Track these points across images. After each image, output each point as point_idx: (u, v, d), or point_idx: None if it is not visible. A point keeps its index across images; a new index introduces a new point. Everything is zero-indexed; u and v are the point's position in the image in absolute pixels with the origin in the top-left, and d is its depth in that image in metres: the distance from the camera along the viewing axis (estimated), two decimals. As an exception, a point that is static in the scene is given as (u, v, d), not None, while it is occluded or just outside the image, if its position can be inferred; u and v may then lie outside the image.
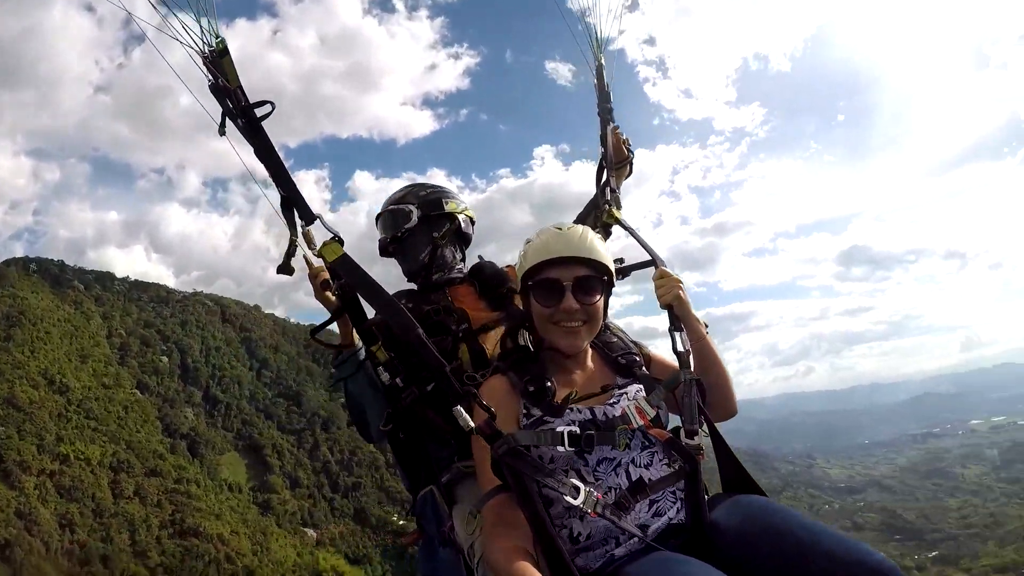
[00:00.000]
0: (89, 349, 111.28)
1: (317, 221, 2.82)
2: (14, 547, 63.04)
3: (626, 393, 2.55)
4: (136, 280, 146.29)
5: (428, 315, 3.20)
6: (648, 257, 2.99)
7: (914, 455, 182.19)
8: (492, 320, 3.25)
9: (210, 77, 2.74)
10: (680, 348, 2.58)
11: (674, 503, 2.34)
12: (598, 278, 2.58)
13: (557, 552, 2.09)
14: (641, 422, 2.39)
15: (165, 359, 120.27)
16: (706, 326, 2.71)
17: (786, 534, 2.07)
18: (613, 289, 2.70)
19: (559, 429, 2.31)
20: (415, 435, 3.01)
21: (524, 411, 2.47)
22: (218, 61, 2.74)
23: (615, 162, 3.64)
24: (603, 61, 3.94)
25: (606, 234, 3.35)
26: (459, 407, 2.34)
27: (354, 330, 2.94)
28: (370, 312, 2.86)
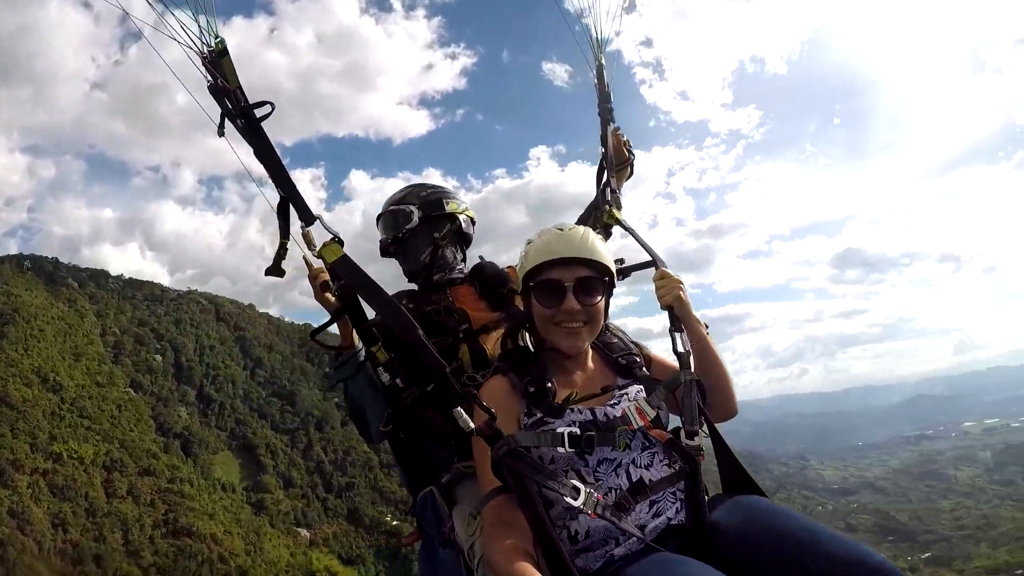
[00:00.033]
0: (83, 347, 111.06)
1: (317, 222, 2.79)
2: (7, 546, 62.84)
3: (626, 394, 2.54)
4: (130, 278, 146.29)
5: (429, 315, 3.20)
6: (648, 258, 2.99)
7: (907, 457, 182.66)
8: (493, 320, 3.25)
9: (209, 78, 2.72)
10: (680, 349, 2.57)
11: (674, 504, 2.34)
12: (599, 279, 2.57)
13: (557, 553, 2.09)
14: (641, 423, 2.39)
15: (159, 358, 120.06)
16: (706, 327, 2.71)
17: (786, 535, 2.07)
18: (614, 290, 2.70)
19: (559, 430, 2.31)
20: (415, 435, 3.02)
21: (524, 412, 2.47)
22: (217, 61, 2.73)
23: (616, 164, 3.64)
24: (603, 61, 3.94)
25: (606, 235, 3.34)
26: (459, 408, 2.33)
27: (354, 331, 2.94)
28: (370, 313, 2.85)
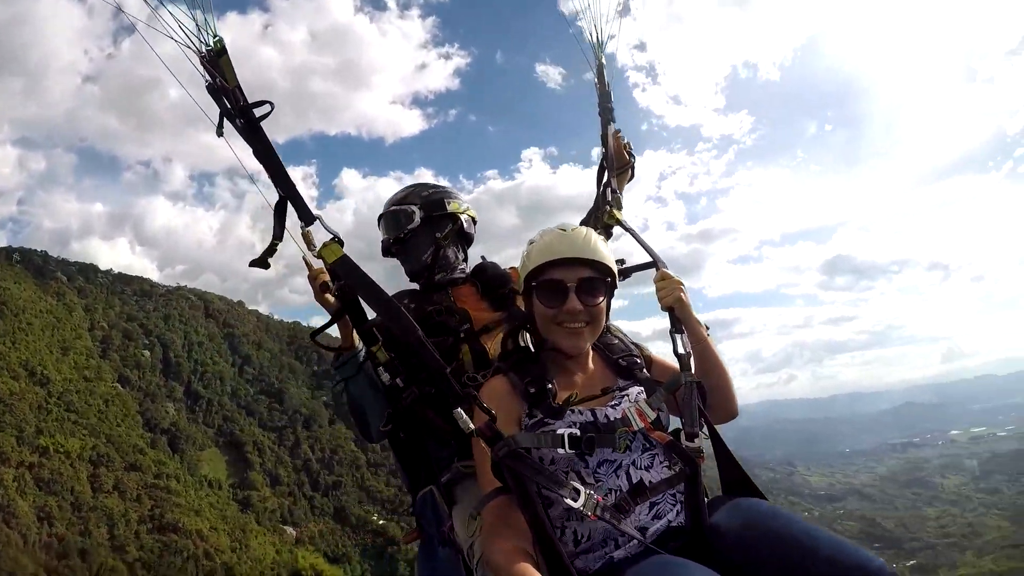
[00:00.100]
0: (71, 341, 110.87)
1: (316, 222, 2.78)
2: (-9, 539, 62.61)
3: (627, 395, 2.53)
4: (120, 273, 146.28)
5: (430, 315, 3.20)
6: (648, 259, 2.98)
7: (894, 464, 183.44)
8: (494, 321, 3.25)
9: (207, 77, 2.70)
10: (681, 350, 2.57)
11: (674, 506, 2.34)
12: (601, 279, 2.57)
13: (557, 554, 2.08)
14: (642, 424, 2.38)
15: (147, 353, 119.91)
16: (707, 328, 2.71)
17: (786, 538, 2.06)
18: (615, 291, 2.70)
19: (559, 431, 2.30)
20: (415, 435, 3.01)
21: (525, 412, 2.46)
22: (216, 61, 2.70)
23: (617, 166, 3.64)
24: (603, 61, 3.93)
25: (607, 235, 3.33)
26: (459, 409, 2.33)
27: (354, 331, 2.93)
28: (370, 313, 2.84)
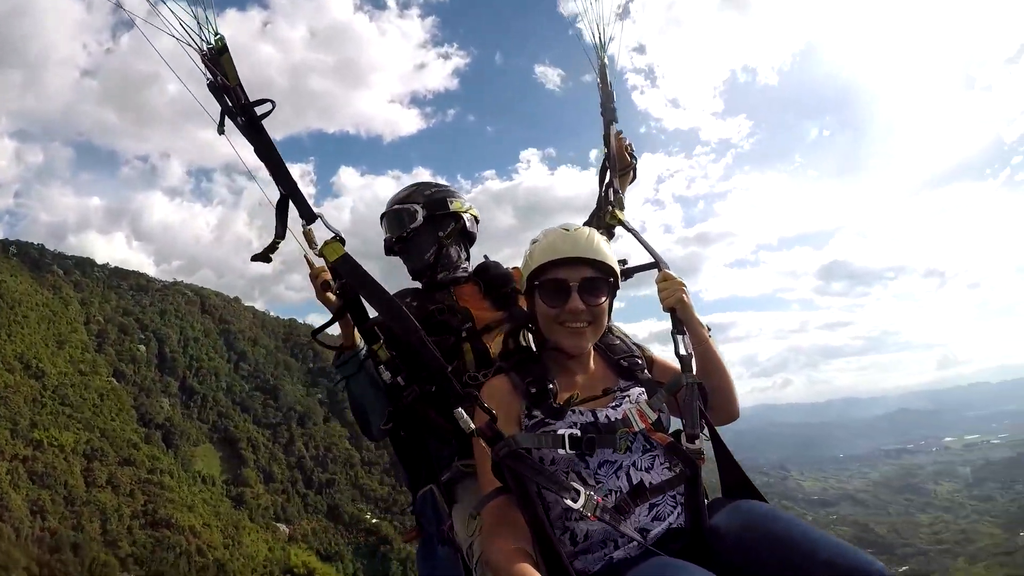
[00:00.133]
0: (66, 335, 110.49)
1: (318, 220, 2.78)
2: (-16, 532, 62.48)
3: (628, 396, 2.53)
4: (116, 267, 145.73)
5: (432, 314, 3.20)
6: (651, 259, 2.98)
7: (888, 470, 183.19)
8: (496, 320, 3.24)
9: (209, 75, 2.69)
10: (683, 351, 2.57)
11: (674, 507, 2.33)
12: (604, 279, 2.57)
13: (556, 554, 2.08)
14: (642, 425, 2.37)
15: (142, 348, 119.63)
16: (708, 329, 2.71)
17: (786, 541, 2.05)
18: (618, 291, 2.69)
19: (560, 431, 2.30)
20: (416, 433, 3.01)
21: (525, 412, 2.46)
22: (217, 59, 2.68)
23: (619, 168, 3.63)
24: (606, 61, 3.93)
25: (609, 236, 3.33)
26: (460, 409, 2.32)
27: (355, 330, 2.92)
28: (371, 311, 2.83)
